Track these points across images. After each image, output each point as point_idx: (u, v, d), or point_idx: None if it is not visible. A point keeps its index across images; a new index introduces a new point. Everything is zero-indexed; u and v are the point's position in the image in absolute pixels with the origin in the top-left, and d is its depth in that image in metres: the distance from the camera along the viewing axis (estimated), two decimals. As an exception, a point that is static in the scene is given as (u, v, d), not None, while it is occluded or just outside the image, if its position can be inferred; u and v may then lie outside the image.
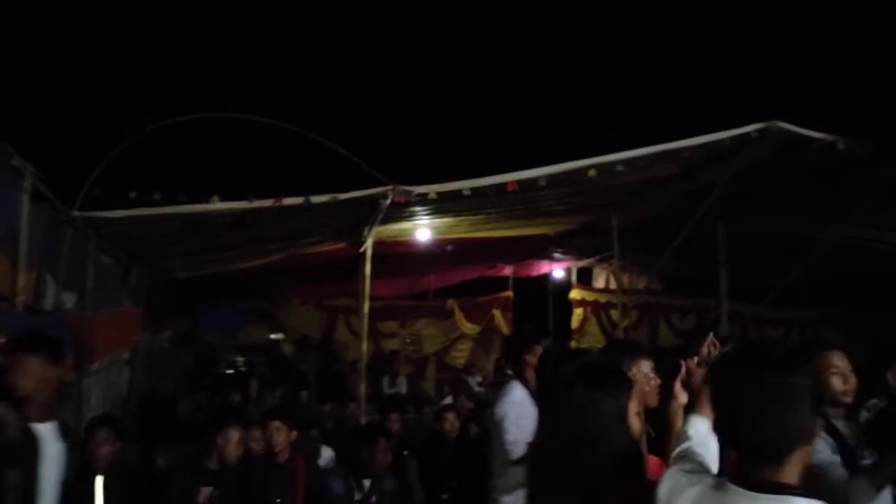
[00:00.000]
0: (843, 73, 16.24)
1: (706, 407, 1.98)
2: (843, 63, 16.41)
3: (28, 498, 2.97)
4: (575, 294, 13.53)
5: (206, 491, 4.64)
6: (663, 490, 1.75)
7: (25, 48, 13.26)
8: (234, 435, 4.82)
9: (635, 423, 2.34)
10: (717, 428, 1.74)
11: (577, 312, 13.43)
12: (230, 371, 11.44)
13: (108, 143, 6.12)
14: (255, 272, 9.88)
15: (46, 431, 3.12)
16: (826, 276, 10.84)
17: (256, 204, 6.20)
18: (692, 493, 1.67)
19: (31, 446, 2.98)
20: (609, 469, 2.16)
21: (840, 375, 3.17)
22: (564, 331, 13.50)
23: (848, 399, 3.18)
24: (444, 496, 5.69)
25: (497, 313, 13.76)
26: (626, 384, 2.38)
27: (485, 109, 18.72)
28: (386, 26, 19.19)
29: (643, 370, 3.01)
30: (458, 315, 13.69)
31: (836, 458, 2.90)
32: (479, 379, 11.83)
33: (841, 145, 6.20)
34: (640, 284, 12.58)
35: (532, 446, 2.98)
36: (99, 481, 3.87)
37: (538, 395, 4.30)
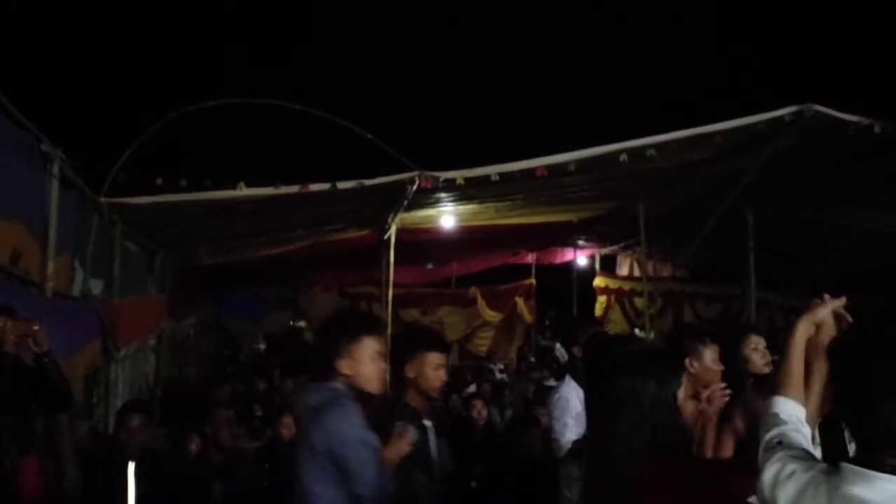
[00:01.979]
0: (880, 58, 15.96)
1: (794, 388, 1.85)
2: (880, 47, 16.12)
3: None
4: (599, 281, 13.41)
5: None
6: (767, 476, 1.63)
7: (53, 34, 13.31)
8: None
9: (689, 407, 2.26)
10: (841, 410, 1.60)
11: (601, 300, 13.31)
12: (255, 357, 11.47)
13: (135, 130, 6.10)
14: (277, 259, 9.87)
15: None
16: (855, 265, 10.66)
17: (283, 190, 6.16)
18: (804, 478, 1.56)
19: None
20: (650, 456, 2.10)
21: None
22: (588, 318, 13.41)
23: None
24: (473, 483, 5.64)
25: (520, 301, 13.70)
26: (673, 370, 2.31)
27: (510, 96, 18.62)
28: (416, 8, 19.04)
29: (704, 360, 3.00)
30: (481, 303, 13.64)
31: None
32: (501, 366, 11.78)
33: (878, 128, 6.05)
34: (665, 272, 12.46)
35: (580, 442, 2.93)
36: (131, 467, 3.85)
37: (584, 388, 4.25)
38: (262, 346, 12.17)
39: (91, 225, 5.75)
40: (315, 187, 6.20)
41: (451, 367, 12.29)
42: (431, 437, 3.33)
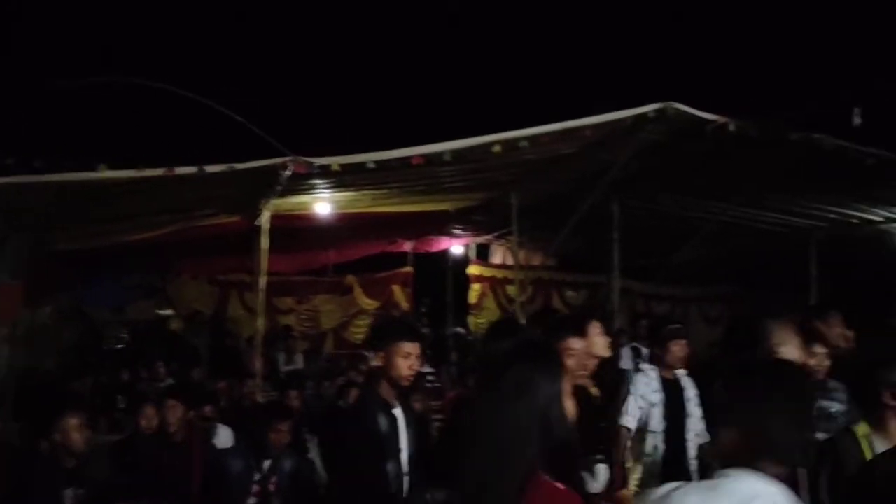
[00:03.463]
0: (739, 60, 17.02)
1: None
2: (739, 50, 17.20)
3: None
4: (473, 270, 13.66)
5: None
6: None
7: None
8: (73, 422, 4.39)
9: (570, 405, 2.30)
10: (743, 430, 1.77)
11: (475, 288, 13.57)
12: (118, 348, 10.94)
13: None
14: (143, 245, 9.43)
15: None
16: (711, 254, 11.40)
17: (147, 173, 5.89)
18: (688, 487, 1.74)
19: None
20: (536, 457, 2.10)
21: None
22: (462, 306, 13.64)
23: None
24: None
25: (396, 289, 13.74)
26: (562, 365, 2.33)
27: (391, 83, 18.54)
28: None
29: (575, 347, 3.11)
30: (357, 291, 13.58)
31: None
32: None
33: (732, 127, 6.47)
34: (536, 261, 12.84)
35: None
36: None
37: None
38: (126, 336, 11.61)
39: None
40: (181, 170, 5.96)
41: (326, 356, 12.29)
42: (401, 426, 3.37)
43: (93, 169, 5.72)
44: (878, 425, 2.78)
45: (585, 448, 3.43)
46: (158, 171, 5.92)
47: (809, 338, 3.98)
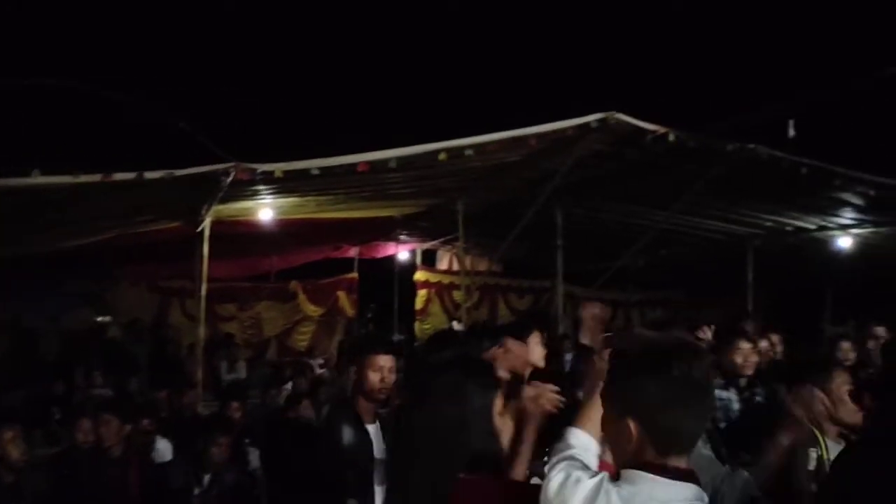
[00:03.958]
0: (682, 73, 17.42)
1: (589, 421, 1.91)
2: (682, 63, 17.61)
3: None
4: (419, 275, 13.67)
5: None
6: (553, 484, 1.64)
7: None
8: (8, 435, 4.22)
9: (499, 422, 2.32)
10: (640, 423, 1.55)
11: (422, 294, 13.58)
12: (53, 358, 10.58)
13: None
14: (81, 251, 9.17)
15: None
16: (652, 260, 11.63)
17: (83, 179, 5.73)
18: (589, 484, 1.58)
19: None
20: (461, 464, 2.13)
21: None
22: (409, 312, 13.63)
23: None
24: (288, 483, 5.55)
25: (342, 295, 13.62)
26: (497, 382, 2.37)
27: (336, 90, 18.43)
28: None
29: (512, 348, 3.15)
30: (301, 297, 13.42)
31: (710, 453, 3.05)
32: (321, 361, 11.67)
33: (672, 137, 6.61)
34: (482, 266, 12.91)
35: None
36: None
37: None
38: (63, 345, 11.25)
39: None
40: (119, 176, 5.81)
41: (270, 363, 12.11)
42: (376, 441, 3.29)
43: (27, 175, 5.53)
44: None
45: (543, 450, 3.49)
46: (95, 177, 5.77)
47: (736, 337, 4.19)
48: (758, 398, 4.22)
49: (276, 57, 18.09)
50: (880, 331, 4.75)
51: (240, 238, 9.57)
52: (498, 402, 2.30)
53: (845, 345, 4.84)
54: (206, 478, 4.68)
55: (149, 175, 5.90)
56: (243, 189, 7.05)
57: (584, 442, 1.87)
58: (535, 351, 4.03)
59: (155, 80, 14.04)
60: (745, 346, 4.34)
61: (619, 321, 14.71)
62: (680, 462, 1.55)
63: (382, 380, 3.29)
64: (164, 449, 5.50)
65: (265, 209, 8.51)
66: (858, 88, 6.02)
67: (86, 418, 4.81)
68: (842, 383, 3.06)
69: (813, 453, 2.96)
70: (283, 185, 7.18)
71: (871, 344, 4.71)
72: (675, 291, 14.76)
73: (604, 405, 1.69)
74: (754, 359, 4.38)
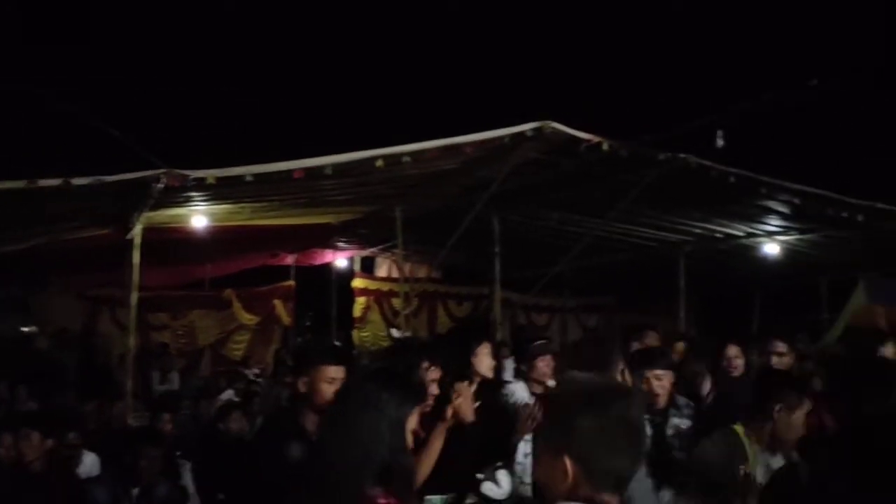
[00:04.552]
0: (617, 84, 17.79)
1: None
2: (618, 74, 18.00)
3: None
4: (358, 283, 13.58)
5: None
6: None
7: None
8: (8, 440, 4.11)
9: (409, 438, 2.33)
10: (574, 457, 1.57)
11: (360, 301, 13.49)
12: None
13: None
14: (5, 258, 8.83)
15: None
16: (586, 267, 11.82)
17: (7, 185, 5.53)
18: None
19: None
20: (369, 475, 2.14)
21: None
22: (347, 320, 13.52)
23: None
24: (221, 496, 5.43)
25: (278, 303, 13.44)
26: (415, 396, 2.36)
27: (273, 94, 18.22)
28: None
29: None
30: (237, 305, 13.19)
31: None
32: (256, 371, 11.49)
33: (606, 146, 6.74)
34: (421, 273, 12.91)
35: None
36: None
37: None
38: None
39: None
40: (45, 182, 5.63)
41: (203, 374, 11.87)
42: None
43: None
44: (755, 430, 3.22)
45: (488, 458, 3.52)
46: (20, 184, 5.58)
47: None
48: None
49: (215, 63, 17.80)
50: (780, 346, 4.75)
51: (173, 245, 9.35)
52: (413, 418, 2.30)
53: (732, 350, 4.81)
54: (135, 492, 4.54)
55: (76, 181, 5.74)
56: (175, 196, 6.91)
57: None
58: (484, 362, 4.07)
59: (89, 86, 13.61)
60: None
61: (556, 327, 14.94)
62: (613, 499, 1.59)
63: (336, 392, 3.07)
64: (91, 463, 5.32)
65: (199, 216, 8.35)
66: (783, 100, 6.23)
67: (6, 433, 4.63)
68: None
69: (742, 469, 3.06)
70: (216, 192, 7.06)
71: (774, 360, 4.72)
72: (610, 297, 15.05)
73: (539, 443, 1.74)
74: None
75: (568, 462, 1.56)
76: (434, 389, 3.46)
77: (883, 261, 10.73)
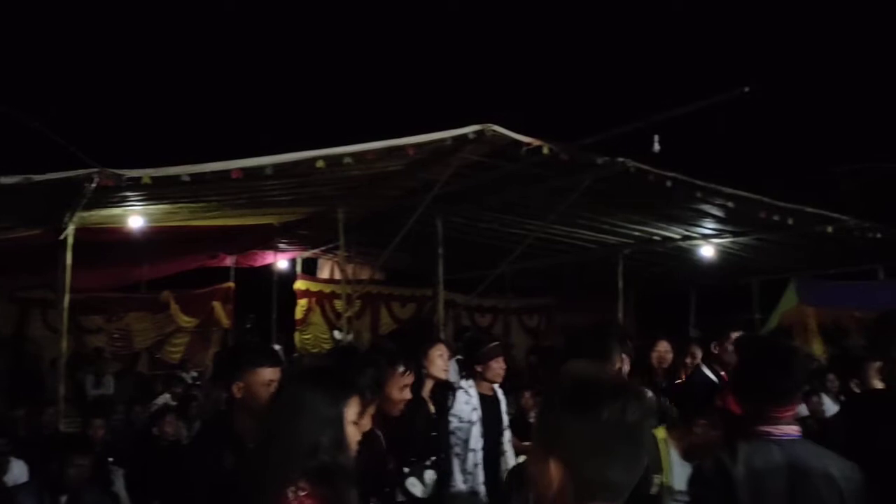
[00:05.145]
0: (560, 88, 18.02)
1: None
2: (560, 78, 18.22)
3: None
4: (300, 285, 13.46)
5: None
6: None
7: None
8: None
9: (352, 431, 2.32)
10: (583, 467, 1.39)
11: (302, 303, 13.38)
12: None
13: None
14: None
15: None
16: (528, 268, 11.95)
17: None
18: None
19: None
20: (291, 477, 2.13)
21: None
22: (288, 322, 13.37)
23: None
24: (155, 503, 5.32)
25: (217, 305, 13.22)
26: (346, 391, 2.34)
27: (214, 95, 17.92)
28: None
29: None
30: (174, 307, 12.93)
31: None
32: (194, 374, 11.29)
33: (546, 150, 6.82)
34: (364, 275, 12.85)
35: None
36: None
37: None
38: None
39: None
40: (-31, 181, 5.42)
41: (139, 376, 11.60)
42: None
43: None
44: (677, 437, 3.15)
45: (417, 456, 3.53)
46: (-59, 182, 5.36)
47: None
48: None
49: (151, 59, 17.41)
50: (696, 351, 4.96)
51: (107, 246, 9.11)
52: (351, 412, 2.30)
53: (663, 345, 5.02)
54: (63, 500, 4.41)
55: (3, 180, 5.54)
56: (110, 196, 6.72)
57: None
58: (438, 364, 4.08)
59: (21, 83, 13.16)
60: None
61: (499, 327, 15.05)
62: None
63: (272, 395, 2.99)
64: (18, 471, 5.17)
65: (135, 216, 8.14)
66: (715, 105, 6.37)
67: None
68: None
69: (656, 479, 2.98)
70: (152, 192, 6.90)
71: (688, 360, 4.92)
72: (551, 298, 15.23)
73: (533, 440, 1.53)
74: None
75: (554, 466, 1.40)
76: (407, 394, 3.44)
77: (813, 263, 11.12)
